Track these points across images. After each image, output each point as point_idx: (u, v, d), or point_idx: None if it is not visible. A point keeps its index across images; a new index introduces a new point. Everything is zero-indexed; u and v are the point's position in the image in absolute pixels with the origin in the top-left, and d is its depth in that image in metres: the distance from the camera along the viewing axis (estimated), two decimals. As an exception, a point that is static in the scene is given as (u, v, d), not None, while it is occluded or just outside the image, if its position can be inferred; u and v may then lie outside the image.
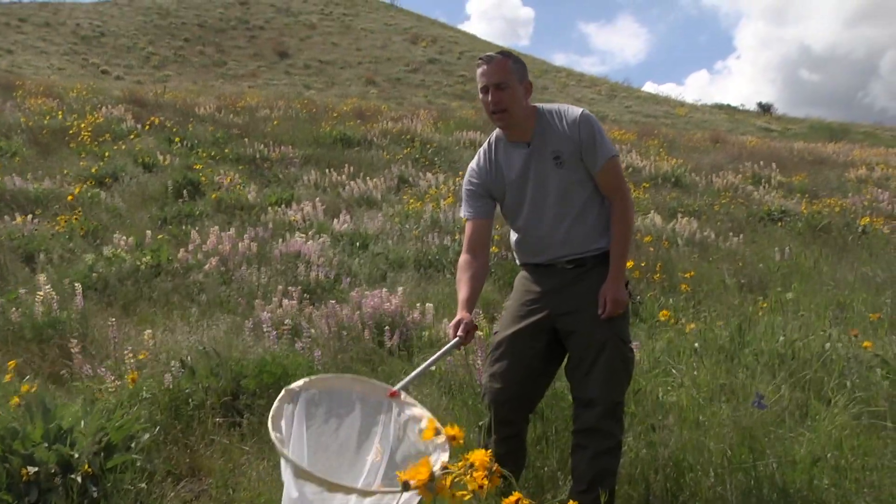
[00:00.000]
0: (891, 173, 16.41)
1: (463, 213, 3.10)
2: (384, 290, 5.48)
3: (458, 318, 2.85)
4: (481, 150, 3.07)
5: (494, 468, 1.68)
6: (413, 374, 2.67)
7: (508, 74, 2.83)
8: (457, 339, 2.80)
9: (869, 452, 3.36)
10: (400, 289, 5.55)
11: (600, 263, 2.90)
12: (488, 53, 2.89)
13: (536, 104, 2.97)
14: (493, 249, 7.52)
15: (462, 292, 2.94)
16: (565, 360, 2.99)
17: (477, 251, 3.02)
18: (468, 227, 3.07)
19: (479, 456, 1.59)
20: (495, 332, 3.09)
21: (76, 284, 5.40)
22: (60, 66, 29.65)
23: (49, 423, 3.15)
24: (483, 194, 3.02)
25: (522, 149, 2.93)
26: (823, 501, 2.95)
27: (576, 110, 2.91)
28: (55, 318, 5.08)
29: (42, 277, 5.37)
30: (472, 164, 3.07)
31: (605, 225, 2.93)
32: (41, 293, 5.15)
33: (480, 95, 2.90)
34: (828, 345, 4.64)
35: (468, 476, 1.63)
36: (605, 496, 2.69)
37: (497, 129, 3.01)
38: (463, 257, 3.02)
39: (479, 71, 2.88)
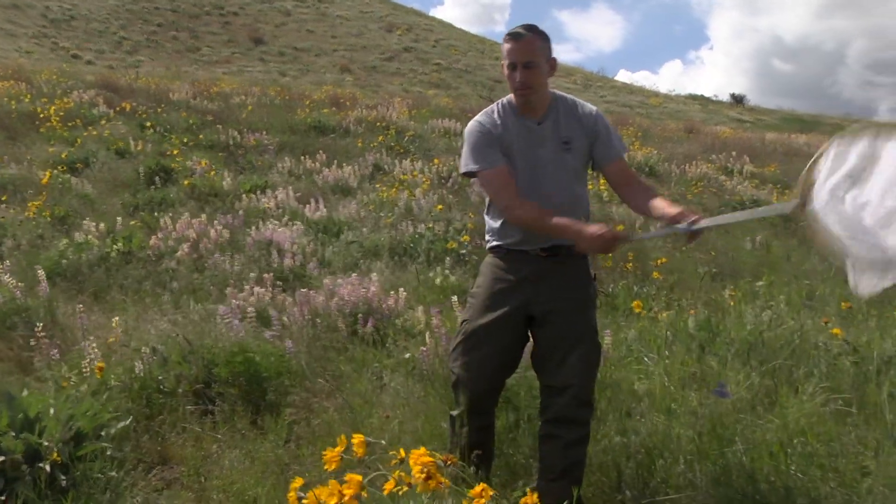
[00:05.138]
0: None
1: (479, 164, 2.91)
2: (356, 276, 5.47)
3: (601, 227, 2.68)
4: (488, 111, 3.00)
5: (448, 460, 1.69)
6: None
7: (537, 53, 2.82)
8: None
9: (835, 438, 3.40)
10: (374, 276, 5.54)
11: (573, 254, 2.87)
12: (517, 30, 2.84)
13: (551, 89, 2.99)
14: (465, 238, 7.53)
15: (563, 218, 2.76)
16: (534, 347, 2.99)
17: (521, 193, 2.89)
18: (501, 175, 2.89)
19: (420, 455, 1.59)
20: (464, 321, 3.02)
21: (40, 271, 5.35)
22: (29, 49, 29.22)
23: (15, 412, 3.11)
24: (496, 144, 2.91)
25: (532, 124, 2.93)
26: (790, 487, 2.99)
27: (591, 105, 3.00)
28: (21, 304, 5.02)
29: (8, 263, 5.32)
30: (481, 119, 2.97)
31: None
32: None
33: (506, 71, 2.86)
34: (797, 333, 4.69)
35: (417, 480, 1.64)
36: (577, 488, 2.71)
37: (508, 96, 2.99)
38: (524, 202, 2.85)
39: (507, 47, 2.83)
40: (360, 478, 1.72)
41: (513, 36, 2.83)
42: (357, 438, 1.76)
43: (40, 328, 4.25)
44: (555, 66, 2.92)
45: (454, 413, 3.00)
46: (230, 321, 4.54)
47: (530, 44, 2.81)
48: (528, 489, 1.80)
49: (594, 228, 2.65)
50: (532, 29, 2.85)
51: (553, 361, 2.87)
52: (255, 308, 4.91)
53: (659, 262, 7.29)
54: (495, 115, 2.97)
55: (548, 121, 2.92)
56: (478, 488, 1.52)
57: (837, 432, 3.48)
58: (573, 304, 2.86)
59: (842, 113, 42.13)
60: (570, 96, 3.01)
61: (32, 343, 4.25)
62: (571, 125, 2.90)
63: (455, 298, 4.82)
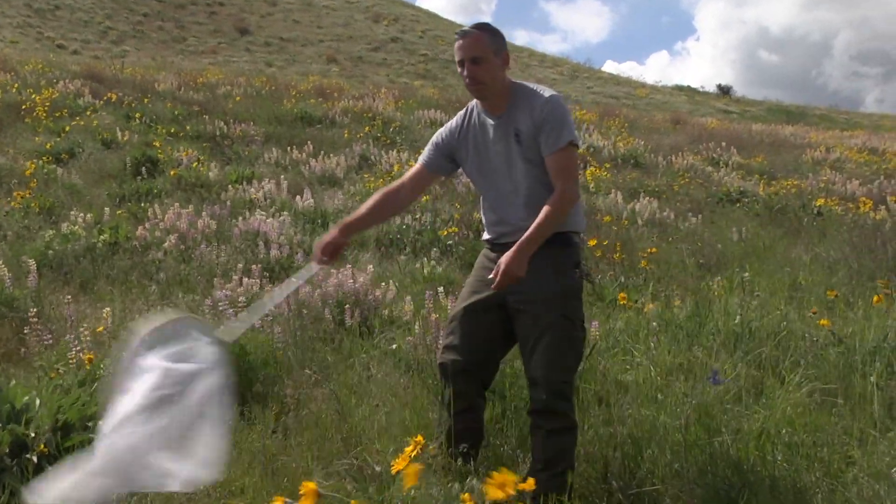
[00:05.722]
0: (846, 156, 16.67)
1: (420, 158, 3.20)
2: (349, 267, 5.46)
3: (329, 237, 3.00)
4: (460, 112, 3.14)
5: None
6: (251, 319, 2.71)
7: (484, 48, 2.86)
8: (317, 263, 2.96)
9: (820, 428, 3.43)
10: (370, 267, 5.54)
11: (549, 245, 2.87)
12: (464, 28, 2.93)
13: (515, 80, 3.01)
14: (454, 229, 7.53)
15: (359, 210, 3.10)
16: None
17: (407, 188, 3.14)
18: (414, 168, 3.18)
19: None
20: (454, 306, 3.15)
21: (30, 261, 5.32)
22: (13, 39, 28.95)
23: (2, 402, 3.10)
24: (444, 151, 3.10)
25: (493, 120, 2.98)
26: (776, 477, 3.01)
27: (546, 92, 2.94)
28: (9, 295, 4.99)
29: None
30: (449, 122, 3.15)
31: None
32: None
33: (458, 69, 2.93)
34: (783, 324, 4.72)
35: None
36: (562, 474, 2.73)
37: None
38: (390, 186, 3.16)
39: (455, 45, 2.91)
40: (313, 485, 1.70)
41: (460, 34, 2.91)
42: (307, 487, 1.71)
43: (34, 313, 4.23)
44: (507, 60, 2.95)
45: (442, 395, 3.09)
46: (225, 310, 4.53)
47: (477, 40, 2.86)
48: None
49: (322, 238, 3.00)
50: (481, 26, 2.92)
51: (526, 353, 2.93)
52: (245, 298, 4.90)
53: (650, 250, 7.31)
54: (463, 116, 3.10)
55: (505, 115, 2.96)
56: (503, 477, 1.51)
57: (823, 422, 3.51)
58: (542, 295, 2.86)
59: (828, 104, 42.35)
60: (531, 86, 3.00)
61: (26, 330, 4.22)
62: (523, 116, 2.91)
63: (441, 289, 4.83)
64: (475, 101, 3.07)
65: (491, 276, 2.79)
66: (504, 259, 2.76)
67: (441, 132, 3.13)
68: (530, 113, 2.89)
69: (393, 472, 1.84)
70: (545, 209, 2.82)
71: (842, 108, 41.99)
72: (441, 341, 3.16)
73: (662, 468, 3.12)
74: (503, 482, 1.47)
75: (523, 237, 2.79)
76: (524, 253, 2.77)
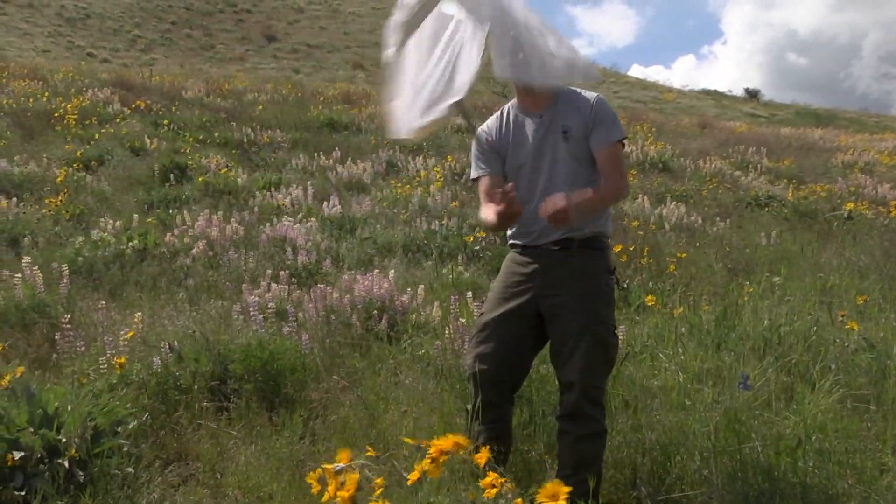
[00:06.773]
0: (876, 159, 16.49)
1: (474, 172, 3.11)
2: (375, 272, 5.47)
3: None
4: (493, 115, 3.15)
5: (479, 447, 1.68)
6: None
7: None
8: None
9: (852, 435, 3.38)
10: (392, 272, 5.55)
11: (587, 247, 2.92)
12: None
13: None
14: (481, 234, 7.53)
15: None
16: (549, 343, 3.00)
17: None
18: (483, 182, 3.04)
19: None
20: (481, 314, 3.12)
21: (63, 267, 5.38)
22: (45, 48, 29.40)
23: (34, 407, 3.13)
24: (492, 152, 3.06)
25: (535, 118, 2.99)
26: (807, 484, 2.97)
27: (592, 93, 2.99)
28: (40, 301, 5.05)
29: (26, 260, 5.35)
30: (482, 127, 3.12)
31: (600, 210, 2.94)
32: (19, 276, 5.12)
33: None
34: (814, 328, 4.67)
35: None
36: (593, 481, 2.71)
37: (512, 100, 3.08)
38: (484, 209, 3.00)
39: None
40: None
41: None
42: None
43: (67, 320, 4.27)
44: None
45: (469, 406, 3.04)
46: (255, 316, 4.54)
47: None
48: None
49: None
50: None
51: (561, 357, 2.90)
52: (275, 304, 4.92)
53: (679, 255, 7.26)
54: (498, 117, 3.11)
55: (548, 112, 2.97)
56: (489, 478, 1.50)
57: (855, 428, 3.46)
58: (577, 298, 2.86)
59: (858, 107, 41.94)
60: (572, 87, 3.04)
61: (57, 336, 4.27)
62: (570, 113, 2.94)
63: (470, 294, 4.82)
64: (509, 103, 3.10)
65: (542, 212, 2.71)
66: (557, 197, 2.68)
67: (480, 139, 3.08)
68: (579, 112, 2.92)
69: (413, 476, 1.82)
70: (601, 188, 2.85)
71: (872, 111, 41.61)
72: (469, 349, 3.09)
73: (691, 474, 3.10)
74: (555, 493, 1.45)
75: (576, 194, 2.72)
76: (571, 207, 2.66)
